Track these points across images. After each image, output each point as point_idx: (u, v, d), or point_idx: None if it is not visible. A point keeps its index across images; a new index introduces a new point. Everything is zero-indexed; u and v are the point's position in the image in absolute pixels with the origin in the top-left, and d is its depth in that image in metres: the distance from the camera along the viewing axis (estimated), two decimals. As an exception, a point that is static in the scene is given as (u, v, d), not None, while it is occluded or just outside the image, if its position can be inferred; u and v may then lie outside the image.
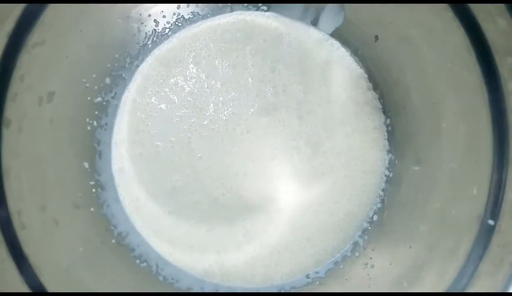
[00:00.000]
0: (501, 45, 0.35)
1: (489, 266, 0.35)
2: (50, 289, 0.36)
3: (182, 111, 0.48)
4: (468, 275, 0.35)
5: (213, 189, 0.47)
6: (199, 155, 0.48)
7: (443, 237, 0.40)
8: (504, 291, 0.33)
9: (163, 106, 0.49)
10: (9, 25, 0.36)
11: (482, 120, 0.37)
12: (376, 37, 0.46)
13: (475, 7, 0.36)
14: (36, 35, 0.38)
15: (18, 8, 0.36)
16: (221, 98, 0.48)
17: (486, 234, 0.36)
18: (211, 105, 0.48)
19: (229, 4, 0.50)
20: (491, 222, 0.35)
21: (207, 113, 0.48)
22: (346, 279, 0.45)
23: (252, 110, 0.48)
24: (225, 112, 0.48)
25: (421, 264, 0.40)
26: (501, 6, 0.33)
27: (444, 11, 0.37)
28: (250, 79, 0.49)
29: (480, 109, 0.37)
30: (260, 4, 0.50)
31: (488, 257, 0.35)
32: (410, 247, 0.42)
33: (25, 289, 0.35)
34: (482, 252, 0.35)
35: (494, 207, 0.36)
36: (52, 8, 0.38)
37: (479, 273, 0.35)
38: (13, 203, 0.37)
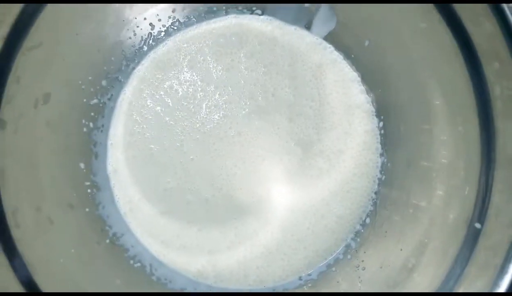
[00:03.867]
0: (487, 49, 0.35)
1: (476, 269, 0.35)
2: (44, 288, 0.37)
3: (176, 114, 0.49)
4: (454, 278, 0.35)
5: (204, 190, 0.47)
6: (191, 157, 0.48)
7: (432, 240, 0.40)
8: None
9: (158, 109, 0.49)
10: (5, 28, 0.37)
11: (471, 123, 0.37)
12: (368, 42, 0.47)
13: (460, 9, 0.36)
14: (32, 38, 0.39)
15: (14, 11, 0.37)
16: (213, 102, 0.49)
17: (473, 237, 0.36)
18: (204, 108, 0.49)
19: (223, 7, 0.50)
20: (478, 225, 0.35)
21: (199, 117, 0.49)
22: (337, 282, 0.45)
23: (243, 113, 0.48)
24: (217, 116, 0.49)
25: (411, 267, 0.40)
26: (487, 8, 0.34)
27: (431, 13, 0.38)
28: (243, 82, 0.49)
29: (469, 113, 0.37)
30: (254, 8, 0.50)
31: (475, 260, 0.35)
32: (401, 250, 0.42)
33: (18, 287, 0.35)
34: (469, 255, 0.35)
35: (481, 210, 0.36)
36: (48, 12, 0.39)
37: (465, 276, 0.35)
38: (8, 202, 0.38)
